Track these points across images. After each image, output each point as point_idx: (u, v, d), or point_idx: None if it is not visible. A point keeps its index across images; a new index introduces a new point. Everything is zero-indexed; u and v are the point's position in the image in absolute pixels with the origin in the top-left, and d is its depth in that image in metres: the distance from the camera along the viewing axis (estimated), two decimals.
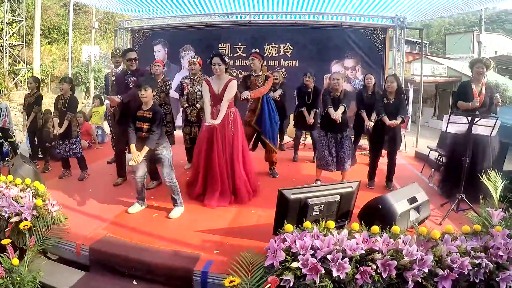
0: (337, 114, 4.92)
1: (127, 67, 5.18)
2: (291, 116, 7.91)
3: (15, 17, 16.68)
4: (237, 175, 4.72)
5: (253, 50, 5.53)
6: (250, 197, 4.84)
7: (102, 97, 5.31)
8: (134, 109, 4.37)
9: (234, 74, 5.75)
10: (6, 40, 16.23)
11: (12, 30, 16.77)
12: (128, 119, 4.44)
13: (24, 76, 16.62)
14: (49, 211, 3.72)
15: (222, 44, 8.91)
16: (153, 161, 4.52)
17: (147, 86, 4.16)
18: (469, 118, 4.40)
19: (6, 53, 16.37)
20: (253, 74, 5.50)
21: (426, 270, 2.58)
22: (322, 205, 3.29)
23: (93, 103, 9.28)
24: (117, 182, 5.49)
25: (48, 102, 5.94)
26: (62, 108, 5.56)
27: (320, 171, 5.48)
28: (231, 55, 8.72)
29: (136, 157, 4.10)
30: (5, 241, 3.24)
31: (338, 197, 3.39)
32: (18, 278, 2.98)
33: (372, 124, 5.75)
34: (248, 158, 4.97)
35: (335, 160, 5.27)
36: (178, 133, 6.35)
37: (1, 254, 3.12)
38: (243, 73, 6.10)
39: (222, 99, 4.56)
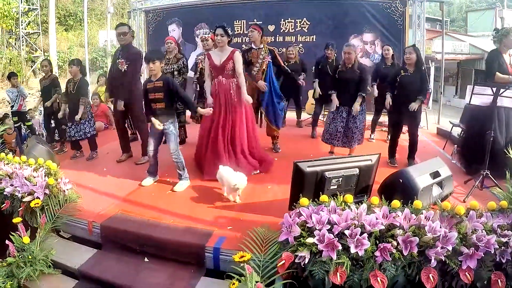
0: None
1: (118, 43, 5.13)
2: (309, 93, 7.71)
3: (30, 6, 16.83)
4: (238, 146, 4.67)
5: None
6: (254, 169, 4.79)
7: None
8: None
9: None
10: (22, 29, 16.41)
11: (28, 19, 16.94)
12: None
13: None
14: (61, 190, 3.71)
15: (237, 21, 8.81)
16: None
17: (155, 59, 4.16)
18: (494, 89, 4.18)
19: (23, 41, 16.56)
20: (254, 47, 5.43)
21: (450, 248, 2.40)
22: (340, 179, 3.14)
23: (97, 82, 9.23)
24: (121, 159, 5.52)
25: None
26: (71, 91, 5.53)
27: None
28: (247, 32, 8.52)
29: (157, 126, 4.22)
30: (16, 220, 3.22)
31: (357, 171, 3.24)
32: (30, 257, 2.97)
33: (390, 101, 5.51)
34: (253, 130, 4.90)
35: (340, 135, 5.21)
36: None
37: (13, 233, 3.11)
38: None
39: (225, 70, 4.59)
